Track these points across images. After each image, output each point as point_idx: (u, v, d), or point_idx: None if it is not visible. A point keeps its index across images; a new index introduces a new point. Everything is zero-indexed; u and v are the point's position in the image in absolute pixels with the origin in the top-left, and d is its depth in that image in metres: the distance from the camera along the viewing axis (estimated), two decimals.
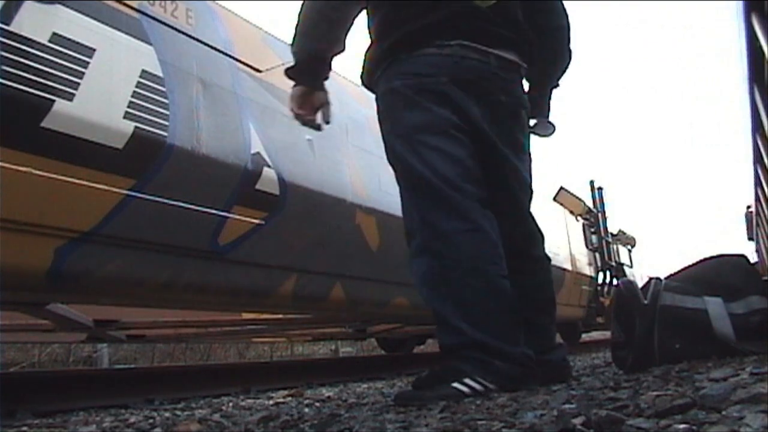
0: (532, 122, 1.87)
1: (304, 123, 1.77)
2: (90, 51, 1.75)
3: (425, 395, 1.31)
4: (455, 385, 1.32)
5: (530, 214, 1.72)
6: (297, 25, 1.66)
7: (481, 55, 1.54)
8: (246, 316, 3.53)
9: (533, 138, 1.85)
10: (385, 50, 1.59)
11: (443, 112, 1.51)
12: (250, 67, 2.32)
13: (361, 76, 1.75)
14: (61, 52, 1.67)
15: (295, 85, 1.72)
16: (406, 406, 1.28)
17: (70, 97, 1.67)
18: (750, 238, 9.35)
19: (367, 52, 1.70)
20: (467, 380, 1.32)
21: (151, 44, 1.94)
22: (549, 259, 1.77)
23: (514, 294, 1.46)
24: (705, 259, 1.92)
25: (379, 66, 1.61)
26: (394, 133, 1.56)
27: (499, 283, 1.44)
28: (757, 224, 7.21)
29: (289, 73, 1.72)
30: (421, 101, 1.51)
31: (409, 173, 1.52)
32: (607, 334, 6.87)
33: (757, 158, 3.73)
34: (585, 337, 8.43)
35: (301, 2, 1.65)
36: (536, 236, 1.73)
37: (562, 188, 7.13)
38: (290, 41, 1.71)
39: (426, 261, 1.47)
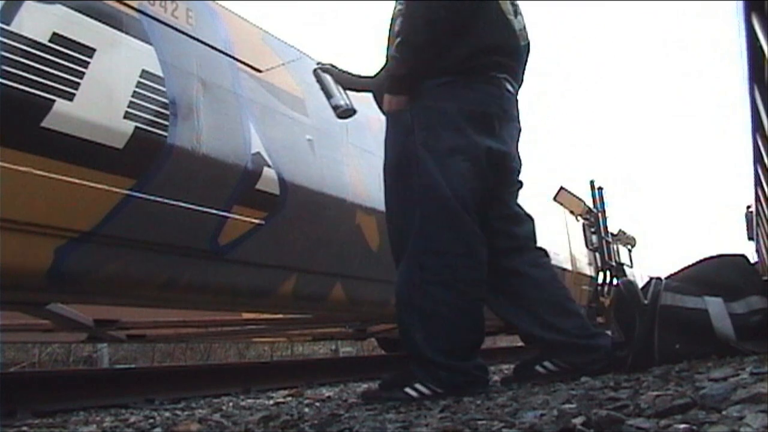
0: (336, 104, 2.00)
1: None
2: (90, 51, 1.75)
3: (381, 396, 1.55)
4: (406, 389, 1.52)
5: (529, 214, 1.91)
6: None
7: (512, 88, 1.78)
8: (246, 316, 3.53)
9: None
10: (439, 70, 1.66)
11: (482, 141, 1.66)
12: (250, 67, 2.32)
13: (400, 80, 1.73)
14: (61, 52, 1.67)
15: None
16: (367, 404, 1.50)
17: (70, 97, 1.67)
18: (750, 238, 9.35)
19: (404, 59, 1.69)
20: (417, 385, 1.52)
21: (151, 44, 1.94)
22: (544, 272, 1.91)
23: (482, 316, 1.64)
24: (705, 259, 1.92)
25: (427, 80, 1.66)
26: (427, 147, 1.63)
27: (475, 305, 1.61)
28: (757, 224, 7.21)
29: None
30: (465, 128, 1.64)
31: (432, 189, 1.60)
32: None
33: (757, 158, 3.73)
34: None
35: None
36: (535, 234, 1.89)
37: (562, 188, 7.12)
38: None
39: (409, 270, 1.61)
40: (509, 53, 1.76)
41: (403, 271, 1.63)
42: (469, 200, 1.62)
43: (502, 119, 1.73)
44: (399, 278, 1.63)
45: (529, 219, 1.89)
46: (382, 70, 1.94)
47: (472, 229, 1.62)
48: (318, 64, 2.09)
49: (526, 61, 1.86)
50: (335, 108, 1.98)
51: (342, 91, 2.00)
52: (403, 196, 1.66)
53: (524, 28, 1.85)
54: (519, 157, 1.89)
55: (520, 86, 1.86)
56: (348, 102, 1.98)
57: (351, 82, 2.05)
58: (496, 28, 1.73)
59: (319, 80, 2.05)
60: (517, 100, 1.84)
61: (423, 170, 1.61)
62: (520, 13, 1.86)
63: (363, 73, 2.10)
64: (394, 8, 1.81)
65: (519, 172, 1.89)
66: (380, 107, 1.86)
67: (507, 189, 1.86)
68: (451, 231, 1.59)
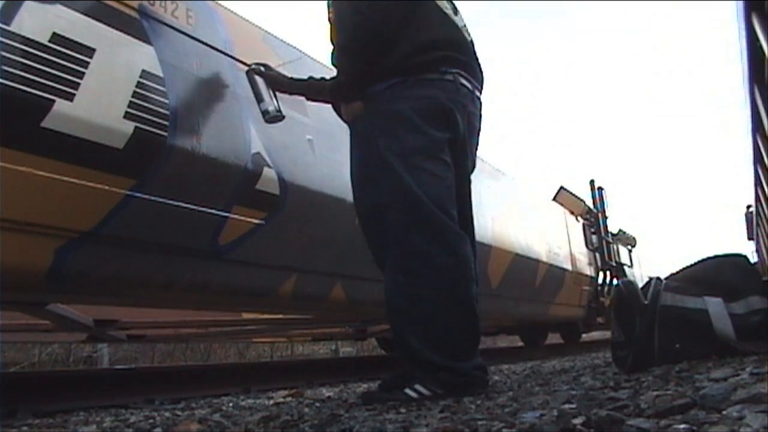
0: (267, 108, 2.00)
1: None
2: (90, 51, 1.75)
3: (381, 397, 1.54)
4: (406, 390, 1.51)
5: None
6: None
7: (469, 83, 1.75)
8: (246, 316, 3.52)
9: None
10: (386, 71, 1.66)
11: (442, 135, 1.65)
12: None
13: (341, 87, 1.76)
14: (61, 52, 1.67)
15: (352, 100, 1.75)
16: (367, 404, 1.49)
17: (70, 97, 1.67)
18: (750, 238, 9.34)
19: (342, 66, 1.72)
20: (417, 386, 1.51)
21: (151, 44, 1.94)
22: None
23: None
24: (705, 259, 1.92)
25: (376, 84, 1.67)
26: (391, 151, 1.61)
27: (468, 305, 1.59)
28: (757, 224, 7.20)
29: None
30: (423, 126, 1.63)
31: (403, 192, 1.58)
32: (607, 334, 6.86)
33: (757, 158, 3.72)
34: (585, 337, 8.43)
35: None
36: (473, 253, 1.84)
37: (562, 188, 7.12)
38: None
39: (394, 276, 1.60)
40: (457, 47, 1.73)
41: (387, 277, 1.62)
42: (442, 198, 1.60)
43: (461, 112, 1.70)
44: (385, 285, 1.62)
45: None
46: (322, 78, 1.95)
47: (448, 227, 1.59)
48: (252, 66, 2.06)
49: (476, 57, 1.83)
50: (264, 113, 1.98)
51: (273, 95, 1.99)
52: (375, 203, 1.65)
53: (465, 26, 1.85)
54: (474, 157, 1.87)
55: (481, 84, 1.84)
56: (277, 107, 1.97)
57: (285, 86, 2.04)
58: (437, 23, 1.72)
59: (251, 83, 2.03)
60: (478, 98, 1.82)
61: (390, 175, 1.60)
62: (459, 12, 1.86)
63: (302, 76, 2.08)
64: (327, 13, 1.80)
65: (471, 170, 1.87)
66: (339, 115, 1.85)
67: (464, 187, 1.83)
68: (428, 232, 1.56)
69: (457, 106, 1.69)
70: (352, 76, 1.69)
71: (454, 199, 1.66)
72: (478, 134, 1.87)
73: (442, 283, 1.55)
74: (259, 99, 2.00)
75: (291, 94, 2.05)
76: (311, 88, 2.00)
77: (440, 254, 1.56)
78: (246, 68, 2.29)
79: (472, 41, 1.85)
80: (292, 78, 2.06)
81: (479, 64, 1.84)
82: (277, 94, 2.02)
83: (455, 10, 1.83)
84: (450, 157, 1.68)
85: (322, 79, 1.97)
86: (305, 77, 2.02)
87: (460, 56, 1.73)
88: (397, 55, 1.64)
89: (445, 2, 1.79)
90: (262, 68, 2.05)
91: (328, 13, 1.79)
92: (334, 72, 1.92)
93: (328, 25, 1.78)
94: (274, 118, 1.98)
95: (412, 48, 1.65)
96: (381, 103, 1.66)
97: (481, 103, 1.84)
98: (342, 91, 1.74)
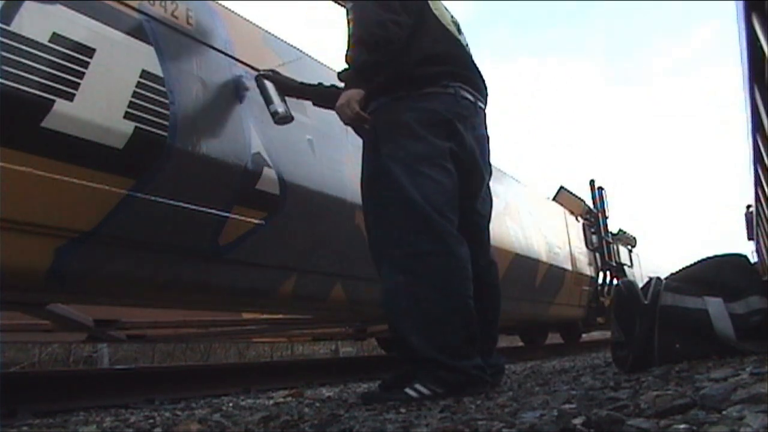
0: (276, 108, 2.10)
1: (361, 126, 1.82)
2: (90, 51, 1.75)
3: (381, 397, 1.56)
4: (406, 390, 1.54)
5: (489, 241, 1.94)
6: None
7: (471, 95, 1.83)
8: (246, 316, 3.52)
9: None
10: (391, 85, 1.75)
11: (443, 144, 1.72)
12: (250, 67, 2.32)
13: (348, 74, 1.79)
14: (61, 52, 1.67)
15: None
16: (368, 404, 1.51)
17: (70, 97, 1.67)
18: (750, 238, 9.34)
19: (363, 56, 1.75)
20: (417, 385, 1.54)
21: (151, 44, 1.94)
22: (499, 289, 1.94)
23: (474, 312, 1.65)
24: (705, 259, 1.92)
25: (381, 97, 1.76)
26: (393, 158, 1.70)
27: (464, 303, 1.62)
28: (757, 224, 7.20)
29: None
30: (426, 134, 1.71)
31: (402, 195, 1.66)
32: (607, 334, 6.86)
33: (757, 158, 3.72)
34: (585, 337, 8.43)
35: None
36: (494, 265, 1.92)
37: (562, 188, 7.12)
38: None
39: (392, 276, 1.65)
40: (459, 63, 1.83)
41: (386, 279, 1.68)
42: (441, 203, 1.67)
43: (462, 122, 1.78)
44: (384, 286, 1.68)
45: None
46: (332, 86, 2.01)
47: (446, 230, 1.65)
48: (261, 71, 2.17)
49: (479, 71, 1.92)
50: (273, 114, 2.07)
51: (282, 98, 2.09)
52: (378, 208, 1.74)
53: (468, 45, 1.96)
54: (489, 164, 1.94)
55: (485, 98, 1.92)
56: (286, 109, 2.07)
57: (294, 90, 2.15)
58: (439, 39, 1.82)
59: (260, 87, 2.12)
60: (482, 109, 1.90)
61: (391, 180, 1.68)
62: (462, 32, 1.96)
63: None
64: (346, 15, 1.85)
65: (488, 178, 1.93)
66: (360, 135, 1.91)
67: (475, 194, 1.88)
68: (426, 233, 1.63)
69: (458, 117, 1.77)
70: (360, 66, 1.73)
71: (453, 203, 1.72)
72: (487, 142, 1.95)
73: (439, 283, 1.60)
74: (268, 101, 2.09)
75: (299, 98, 2.13)
76: (318, 94, 2.10)
77: (438, 255, 1.62)
78: (246, 68, 2.30)
79: (473, 58, 1.94)
80: (301, 83, 2.16)
81: (482, 78, 1.93)
82: (285, 97, 2.11)
83: (459, 30, 1.94)
84: (453, 166, 1.74)
85: (332, 86, 2.05)
86: (314, 83, 2.12)
87: (461, 70, 1.83)
88: (402, 68, 1.74)
89: (449, 20, 1.89)
90: (272, 73, 2.15)
91: (347, 15, 1.85)
92: (334, 72, 1.95)
93: (348, 25, 1.82)
94: (283, 119, 2.07)
95: (416, 62, 1.75)
96: (385, 115, 1.76)
97: (485, 114, 1.94)
98: (348, 77, 1.77)
